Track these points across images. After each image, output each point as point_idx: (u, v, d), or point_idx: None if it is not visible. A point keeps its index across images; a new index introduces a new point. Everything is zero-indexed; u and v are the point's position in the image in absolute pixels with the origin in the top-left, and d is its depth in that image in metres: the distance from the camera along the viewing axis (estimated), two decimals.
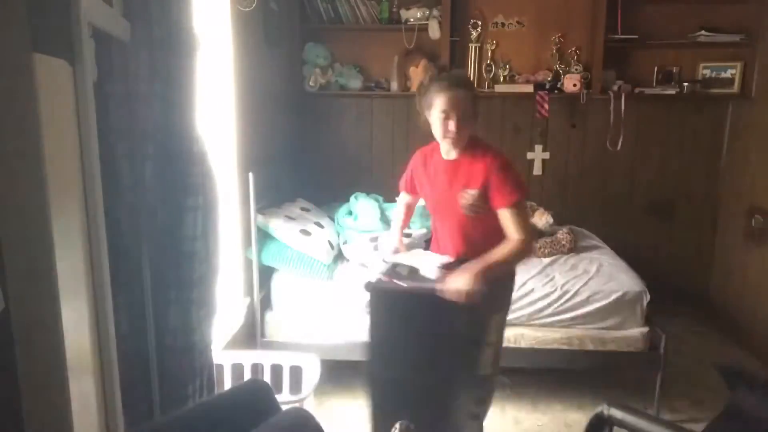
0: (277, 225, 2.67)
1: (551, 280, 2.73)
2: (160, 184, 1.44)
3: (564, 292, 2.64)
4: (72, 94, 1.15)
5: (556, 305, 2.63)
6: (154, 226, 1.45)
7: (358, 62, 3.81)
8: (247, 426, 1.31)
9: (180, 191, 1.47)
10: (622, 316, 2.62)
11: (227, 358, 2.22)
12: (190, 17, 1.47)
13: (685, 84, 3.57)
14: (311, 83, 3.63)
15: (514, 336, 2.63)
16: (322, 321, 2.68)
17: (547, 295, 2.64)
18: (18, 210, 0.96)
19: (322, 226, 2.89)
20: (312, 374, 2.16)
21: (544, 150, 3.82)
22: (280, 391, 2.20)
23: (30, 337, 0.98)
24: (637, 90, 3.62)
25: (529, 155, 3.83)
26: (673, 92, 3.58)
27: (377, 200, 3.18)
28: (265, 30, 2.91)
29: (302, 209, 3.04)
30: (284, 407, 1.54)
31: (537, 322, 2.65)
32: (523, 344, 2.65)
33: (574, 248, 3.09)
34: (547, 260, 2.95)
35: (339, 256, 2.92)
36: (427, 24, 3.54)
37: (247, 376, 2.20)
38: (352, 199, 3.19)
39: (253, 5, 2.50)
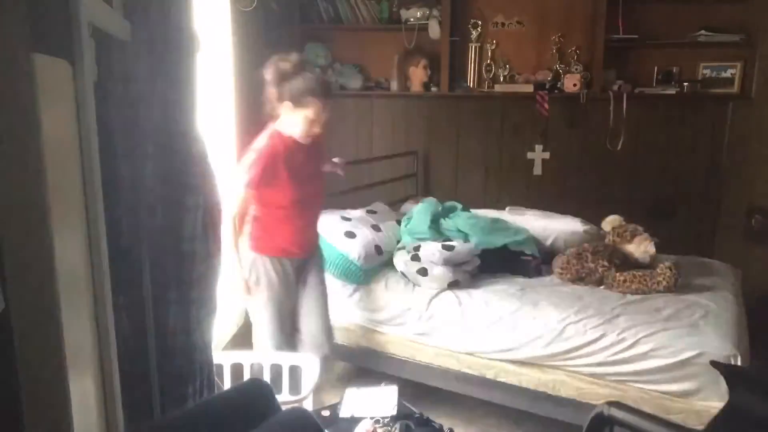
0: (323, 223, 2.68)
1: (609, 320, 2.28)
2: (160, 184, 1.44)
3: (620, 340, 2.18)
4: (72, 94, 1.15)
5: (605, 353, 2.20)
6: (154, 226, 1.45)
7: (358, 62, 3.81)
8: (247, 426, 1.31)
9: (180, 191, 1.47)
10: (698, 383, 2.06)
11: (227, 358, 2.22)
12: (190, 17, 1.47)
13: (685, 84, 3.57)
14: None
15: (552, 382, 2.32)
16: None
17: (595, 340, 2.22)
18: (18, 210, 0.96)
19: (379, 230, 2.90)
20: (311, 374, 2.16)
21: (544, 150, 3.82)
22: (279, 391, 2.20)
23: (30, 337, 0.98)
24: (637, 90, 3.62)
25: (529, 155, 3.83)
26: (673, 92, 3.58)
27: (431, 204, 3.13)
28: (265, 30, 2.91)
29: (368, 211, 3.12)
30: (284, 407, 1.54)
31: (581, 369, 2.27)
32: (562, 393, 2.30)
33: (674, 287, 2.55)
34: (632, 297, 2.53)
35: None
36: (427, 24, 3.55)
37: (247, 376, 2.20)
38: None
39: (253, 5, 2.50)
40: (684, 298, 2.49)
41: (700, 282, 2.69)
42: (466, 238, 2.89)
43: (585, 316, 2.33)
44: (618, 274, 2.62)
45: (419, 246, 2.75)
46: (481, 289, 2.64)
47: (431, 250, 2.66)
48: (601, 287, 2.66)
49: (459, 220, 3.01)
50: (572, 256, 2.76)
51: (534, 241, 2.99)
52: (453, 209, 3.17)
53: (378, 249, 2.80)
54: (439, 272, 2.63)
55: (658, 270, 2.59)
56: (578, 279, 2.72)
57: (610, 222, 3.01)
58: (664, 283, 2.52)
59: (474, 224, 2.97)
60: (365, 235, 2.81)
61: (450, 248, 2.66)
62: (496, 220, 3.08)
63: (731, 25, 3.52)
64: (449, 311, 2.55)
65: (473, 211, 3.21)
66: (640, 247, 2.77)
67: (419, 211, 3.04)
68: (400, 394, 2.04)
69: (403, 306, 2.63)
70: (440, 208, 3.14)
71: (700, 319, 2.27)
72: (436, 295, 2.61)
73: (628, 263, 2.72)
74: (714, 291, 2.59)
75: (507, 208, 3.30)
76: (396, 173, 3.83)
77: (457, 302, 2.55)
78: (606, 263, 2.66)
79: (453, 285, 2.65)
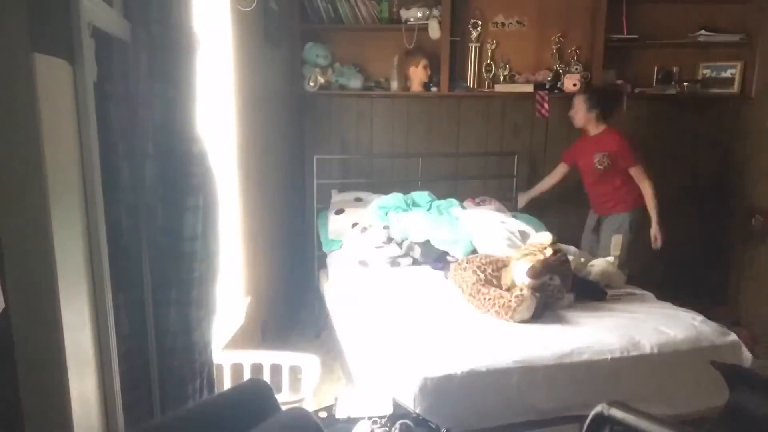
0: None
1: None
2: (160, 184, 1.44)
3: None
4: (72, 94, 1.15)
5: None
6: (154, 226, 1.45)
7: (358, 62, 3.81)
8: (247, 426, 1.31)
9: (180, 191, 1.47)
10: None
11: (227, 358, 2.22)
12: (190, 17, 1.47)
13: (685, 84, 3.57)
14: (311, 83, 3.63)
15: None
16: None
17: None
18: (18, 210, 0.96)
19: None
20: (311, 374, 2.16)
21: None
22: (279, 391, 2.20)
23: (30, 337, 0.98)
24: (637, 90, 3.62)
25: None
26: (673, 92, 3.58)
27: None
28: (265, 30, 2.91)
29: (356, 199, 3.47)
30: (284, 407, 1.54)
31: None
32: None
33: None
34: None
35: None
36: (427, 24, 3.54)
37: (247, 376, 2.20)
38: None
39: (253, 5, 2.50)
40: None
41: None
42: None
43: None
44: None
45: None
46: None
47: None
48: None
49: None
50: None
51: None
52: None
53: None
54: None
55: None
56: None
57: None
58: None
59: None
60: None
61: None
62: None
63: (731, 25, 3.53)
64: None
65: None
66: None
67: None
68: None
69: None
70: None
71: None
72: None
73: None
74: None
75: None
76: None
77: None
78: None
79: None
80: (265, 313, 2.98)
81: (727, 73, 3.61)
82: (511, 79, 3.72)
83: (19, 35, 0.96)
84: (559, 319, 2.31)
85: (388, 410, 1.86)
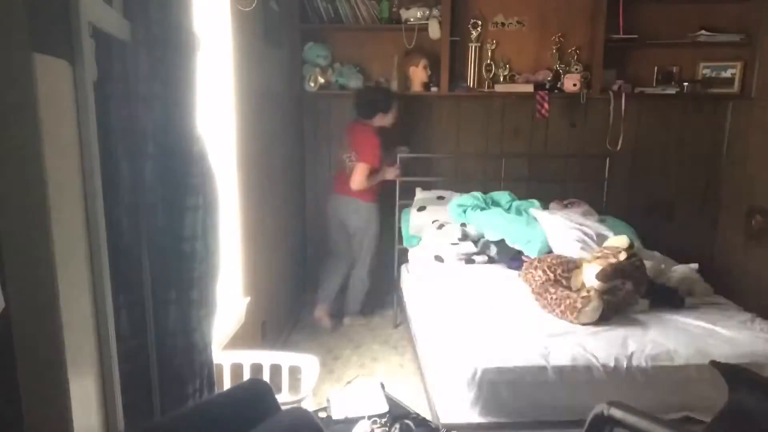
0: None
1: None
2: (160, 184, 1.44)
3: None
4: (72, 94, 1.15)
5: None
6: (154, 226, 1.45)
7: (358, 62, 3.81)
8: (247, 426, 1.31)
9: (180, 191, 1.47)
10: None
11: (227, 358, 2.22)
12: (190, 17, 1.47)
13: (685, 84, 3.57)
14: (311, 83, 3.63)
15: None
16: None
17: None
18: (18, 210, 0.96)
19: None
20: (311, 374, 2.16)
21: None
22: (279, 391, 2.20)
23: (30, 337, 0.98)
24: (637, 90, 3.62)
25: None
26: (673, 92, 3.58)
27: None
28: (265, 30, 2.91)
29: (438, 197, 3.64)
30: (284, 407, 1.54)
31: None
32: None
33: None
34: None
35: None
36: (427, 24, 3.54)
37: (247, 376, 2.20)
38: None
39: (253, 5, 2.50)
40: None
41: None
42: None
43: None
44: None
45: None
46: None
47: None
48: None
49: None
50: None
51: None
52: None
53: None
54: None
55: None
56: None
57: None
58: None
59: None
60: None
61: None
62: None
63: (731, 25, 3.53)
64: None
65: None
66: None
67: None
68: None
69: None
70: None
71: None
72: None
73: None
74: None
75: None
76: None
77: None
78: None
79: None
80: (265, 313, 2.98)
81: (727, 73, 3.62)
82: (511, 79, 3.72)
83: (19, 35, 0.96)
84: (626, 323, 2.27)
85: (384, 408, 1.86)
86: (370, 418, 1.82)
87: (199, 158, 1.51)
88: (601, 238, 2.83)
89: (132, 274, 1.44)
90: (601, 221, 3.23)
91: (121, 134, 1.37)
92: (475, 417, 1.96)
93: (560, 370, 1.97)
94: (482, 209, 3.23)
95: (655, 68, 3.69)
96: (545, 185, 3.74)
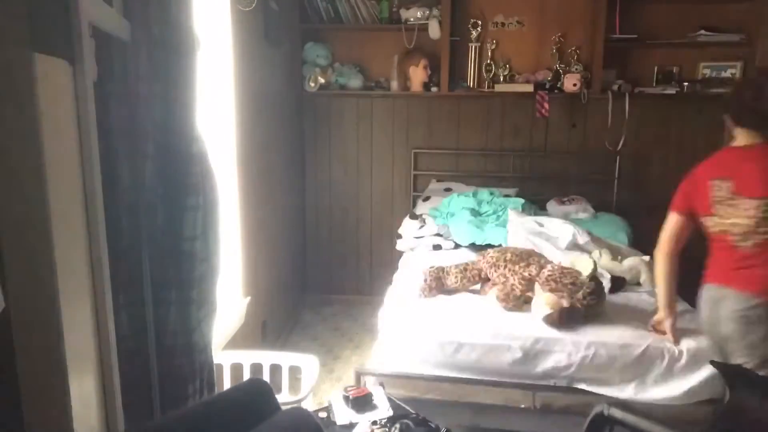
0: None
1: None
2: (160, 184, 1.44)
3: None
4: (72, 94, 1.15)
5: None
6: (154, 226, 1.45)
7: (358, 62, 3.81)
8: (247, 426, 1.31)
9: (180, 191, 1.47)
10: None
11: (227, 358, 2.22)
12: (190, 17, 1.47)
13: (685, 84, 3.57)
14: (311, 83, 3.63)
15: None
16: None
17: None
18: (18, 210, 0.96)
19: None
20: (311, 374, 2.16)
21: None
22: (279, 391, 2.20)
23: (30, 337, 0.98)
24: (637, 90, 3.62)
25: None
26: (673, 92, 3.58)
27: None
28: (265, 30, 2.91)
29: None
30: (283, 407, 1.54)
31: None
32: None
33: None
34: None
35: None
36: (427, 24, 3.54)
37: (247, 376, 2.20)
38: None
39: (253, 5, 2.50)
40: None
41: None
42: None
43: None
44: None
45: None
46: None
47: None
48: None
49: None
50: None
51: None
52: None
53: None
54: None
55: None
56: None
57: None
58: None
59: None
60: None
61: None
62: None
63: (731, 25, 3.52)
64: None
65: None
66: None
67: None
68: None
69: None
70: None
71: None
72: None
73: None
74: None
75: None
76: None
77: None
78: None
79: None
80: (265, 313, 2.98)
81: (727, 73, 3.61)
82: (511, 79, 3.72)
83: (19, 35, 0.96)
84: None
85: (387, 413, 1.86)
86: (375, 423, 1.83)
87: (199, 158, 1.51)
88: (576, 247, 2.87)
89: (132, 274, 1.44)
90: (595, 218, 3.39)
91: (121, 134, 1.37)
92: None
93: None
94: (443, 220, 3.37)
95: (655, 68, 3.68)
96: (546, 182, 3.79)
